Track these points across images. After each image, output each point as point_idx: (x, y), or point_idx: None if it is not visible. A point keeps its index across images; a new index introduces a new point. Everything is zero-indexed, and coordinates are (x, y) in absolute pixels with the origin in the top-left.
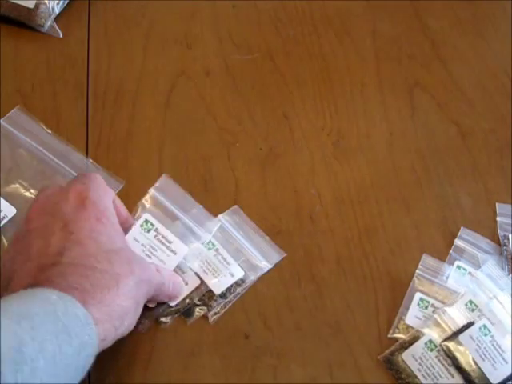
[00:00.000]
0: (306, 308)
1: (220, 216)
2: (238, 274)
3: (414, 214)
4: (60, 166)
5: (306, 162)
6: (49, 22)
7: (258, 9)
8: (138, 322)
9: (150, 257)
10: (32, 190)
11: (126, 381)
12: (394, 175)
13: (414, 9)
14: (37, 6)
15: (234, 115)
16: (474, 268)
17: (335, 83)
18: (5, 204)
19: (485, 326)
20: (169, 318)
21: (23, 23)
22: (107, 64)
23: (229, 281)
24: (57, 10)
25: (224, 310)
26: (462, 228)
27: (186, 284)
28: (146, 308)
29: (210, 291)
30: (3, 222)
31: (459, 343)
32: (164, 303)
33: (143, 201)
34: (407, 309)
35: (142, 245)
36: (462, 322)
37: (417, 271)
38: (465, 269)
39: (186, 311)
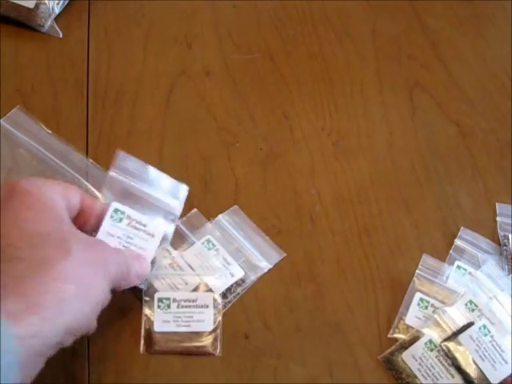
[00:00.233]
0: (306, 308)
1: (220, 216)
2: (238, 274)
3: (414, 213)
4: (60, 166)
5: (306, 162)
6: (49, 22)
7: (258, 9)
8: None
9: (127, 247)
10: None
11: (126, 381)
12: (394, 175)
13: (414, 9)
14: (37, 6)
15: (233, 115)
16: (474, 268)
17: (335, 83)
18: None
19: (485, 326)
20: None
21: (23, 23)
22: (107, 64)
23: (229, 281)
24: (57, 10)
25: (224, 310)
26: (461, 228)
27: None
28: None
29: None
30: None
31: (459, 343)
32: (135, 287)
33: (104, 189)
34: (407, 309)
35: (118, 237)
36: (461, 322)
37: (417, 271)
38: (465, 269)
39: None
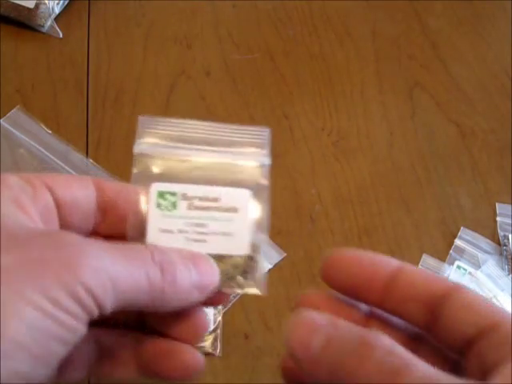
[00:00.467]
0: None
1: None
2: None
3: (414, 213)
4: (60, 166)
5: (306, 162)
6: (49, 22)
7: (258, 9)
8: None
9: (205, 241)
10: None
11: (126, 381)
12: (394, 175)
13: (414, 9)
14: (37, 6)
15: (234, 115)
16: (474, 268)
17: (335, 83)
18: None
19: None
20: None
21: (23, 23)
22: (107, 64)
23: None
24: (57, 10)
25: (224, 310)
26: (461, 228)
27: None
28: None
29: None
30: None
31: None
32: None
33: (133, 172)
34: None
35: (180, 231)
36: None
37: None
38: (465, 269)
39: None
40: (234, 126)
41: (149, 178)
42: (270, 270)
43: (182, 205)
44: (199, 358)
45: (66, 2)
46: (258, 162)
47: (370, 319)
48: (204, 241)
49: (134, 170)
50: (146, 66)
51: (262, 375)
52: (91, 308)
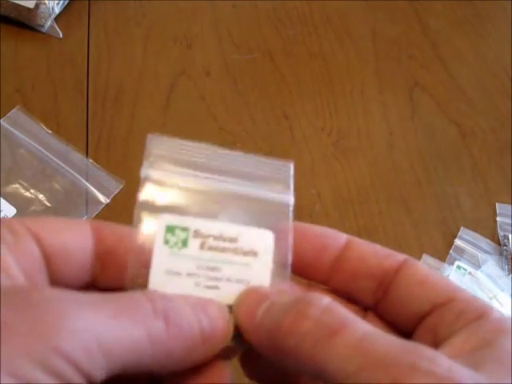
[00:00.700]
0: None
1: None
2: None
3: (414, 213)
4: (60, 166)
5: (306, 162)
6: (49, 22)
7: (258, 9)
8: None
9: (217, 288)
10: (32, 190)
11: None
12: (394, 175)
13: (414, 9)
14: (37, 6)
15: (234, 115)
16: (474, 268)
17: (335, 83)
18: (5, 204)
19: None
20: None
21: (23, 23)
22: (107, 64)
23: None
24: (57, 10)
25: None
26: (461, 228)
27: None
28: None
29: None
30: None
31: None
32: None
33: (140, 199)
34: None
35: (189, 275)
36: None
37: None
38: (465, 269)
39: None
40: (256, 157)
41: (157, 208)
42: None
43: (194, 243)
44: None
45: (66, 2)
46: (282, 200)
47: (366, 314)
48: (216, 287)
49: (141, 197)
50: (146, 66)
51: None
52: (73, 379)
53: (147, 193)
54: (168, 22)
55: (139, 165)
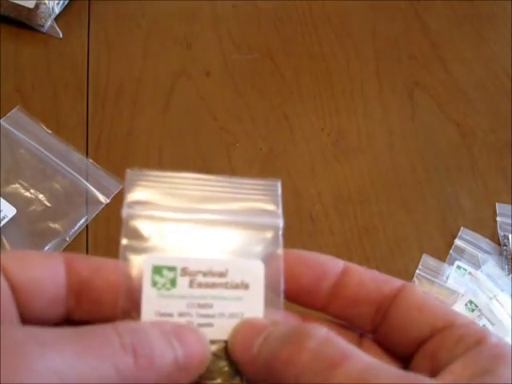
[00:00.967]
0: None
1: None
2: None
3: (414, 214)
4: (60, 166)
5: (306, 162)
6: (49, 22)
7: (258, 9)
8: None
9: (211, 325)
10: (32, 190)
11: None
12: (394, 175)
13: (414, 9)
14: (37, 6)
15: (234, 115)
16: (474, 268)
17: (335, 83)
18: (5, 204)
19: (484, 327)
20: None
21: (23, 23)
22: (107, 64)
23: None
24: (57, 10)
25: None
26: (461, 228)
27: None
28: None
29: None
30: (3, 222)
31: None
32: None
33: (122, 240)
34: None
35: (181, 315)
36: None
37: (417, 271)
38: (465, 269)
39: None
40: (240, 180)
41: (142, 249)
42: None
43: (183, 282)
44: None
45: (66, 2)
46: (271, 223)
47: (362, 340)
48: (210, 324)
49: (124, 238)
50: (146, 66)
51: None
52: None
53: (130, 232)
54: (168, 21)
55: (139, 165)
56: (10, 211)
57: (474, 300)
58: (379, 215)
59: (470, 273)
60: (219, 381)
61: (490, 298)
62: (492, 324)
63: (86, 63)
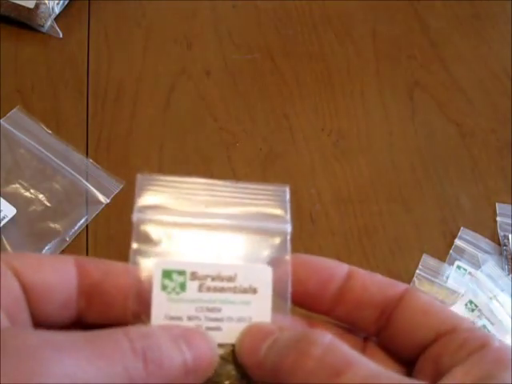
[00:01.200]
0: None
1: None
2: None
3: (414, 213)
4: (60, 166)
5: (306, 162)
6: (49, 22)
7: (258, 9)
8: None
9: (220, 329)
10: (32, 190)
11: None
12: (394, 175)
13: (414, 9)
14: (37, 6)
15: (234, 115)
16: (474, 268)
17: (335, 83)
18: (5, 204)
19: (484, 326)
20: None
21: (23, 23)
22: (107, 64)
23: None
24: (57, 10)
25: None
26: (461, 228)
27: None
28: None
29: None
30: (3, 222)
31: None
32: None
33: (133, 244)
34: None
35: (190, 318)
36: None
37: (417, 271)
38: (465, 269)
39: None
40: (248, 185)
41: (152, 253)
42: None
43: (192, 286)
44: None
45: (66, 2)
46: (279, 229)
47: (366, 344)
48: (218, 328)
49: (134, 245)
50: (146, 66)
51: None
52: None
53: (141, 237)
54: (168, 22)
55: (139, 164)
56: (9, 211)
57: (474, 300)
58: (379, 215)
59: (470, 273)
60: (227, 383)
61: (490, 298)
62: (492, 324)
63: (86, 63)
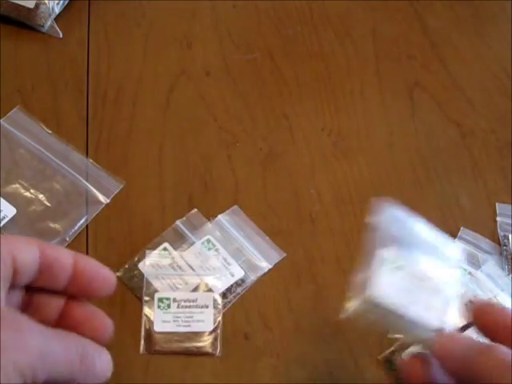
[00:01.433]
0: (306, 308)
1: (220, 216)
2: (238, 274)
3: (414, 213)
4: (60, 166)
5: (306, 162)
6: (49, 22)
7: (258, 9)
8: None
9: (189, 326)
10: (32, 190)
11: (126, 381)
12: (394, 175)
13: (414, 9)
14: (37, 6)
15: (234, 115)
16: (474, 268)
17: (335, 83)
18: (5, 204)
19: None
20: None
21: (23, 23)
22: (107, 64)
23: (229, 281)
24: (57, 10)
25: (224, 310)
26: (461, 228)
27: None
28: None
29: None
30: (3, 222)
31: None
32: None
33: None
34: None
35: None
36: (461, 323)
37: None
38: (465, 269)
39: None
40: None
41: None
42: (270, 269)
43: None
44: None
45: (66, 2)
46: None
47: None
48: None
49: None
50: (146, 66)
51: (261, 375)
52: (28, 379)
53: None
54: (168, 22)
55: (139, 165)
56: (9, 211)
57: (473, 300)
58: None
59: (470, 273)
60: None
61: (490, 298)
62: None
63: (86, 63)
